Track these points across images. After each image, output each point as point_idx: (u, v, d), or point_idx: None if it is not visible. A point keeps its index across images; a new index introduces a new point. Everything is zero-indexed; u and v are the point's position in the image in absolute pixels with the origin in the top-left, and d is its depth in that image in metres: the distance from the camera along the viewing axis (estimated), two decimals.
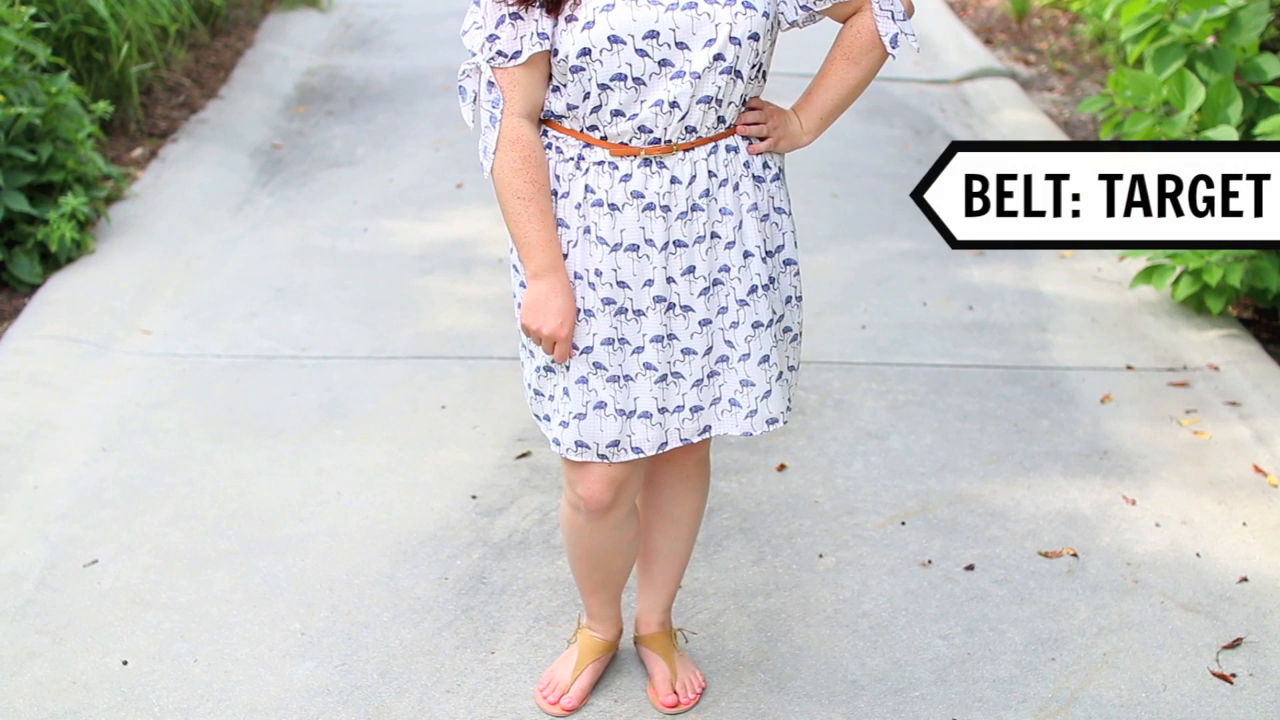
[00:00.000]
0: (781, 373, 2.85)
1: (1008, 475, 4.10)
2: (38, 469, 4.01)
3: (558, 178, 2.69)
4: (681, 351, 2.77)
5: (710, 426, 2.85)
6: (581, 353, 2.74)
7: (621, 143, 2.63)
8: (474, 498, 3.94)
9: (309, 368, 4.64)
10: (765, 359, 2.81)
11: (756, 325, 2.78)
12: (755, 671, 3.29)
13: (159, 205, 5.79)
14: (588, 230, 2.70)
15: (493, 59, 2.59)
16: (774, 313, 2.81)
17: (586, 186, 2.68)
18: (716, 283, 2.75)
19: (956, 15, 9.53)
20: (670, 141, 2.63)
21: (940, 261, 5.62)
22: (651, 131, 2.61)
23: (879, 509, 3.93)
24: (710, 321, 2.76)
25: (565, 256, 2.72)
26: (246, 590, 3.54)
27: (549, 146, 2.70)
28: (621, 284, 2.71)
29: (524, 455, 4.11)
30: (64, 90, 5.33)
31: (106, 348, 4.70)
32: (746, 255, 2.75)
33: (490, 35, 2.58)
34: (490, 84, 2.62)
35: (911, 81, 8.02)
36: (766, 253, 2.78)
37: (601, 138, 2.64)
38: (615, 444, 2.79)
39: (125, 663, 3.28)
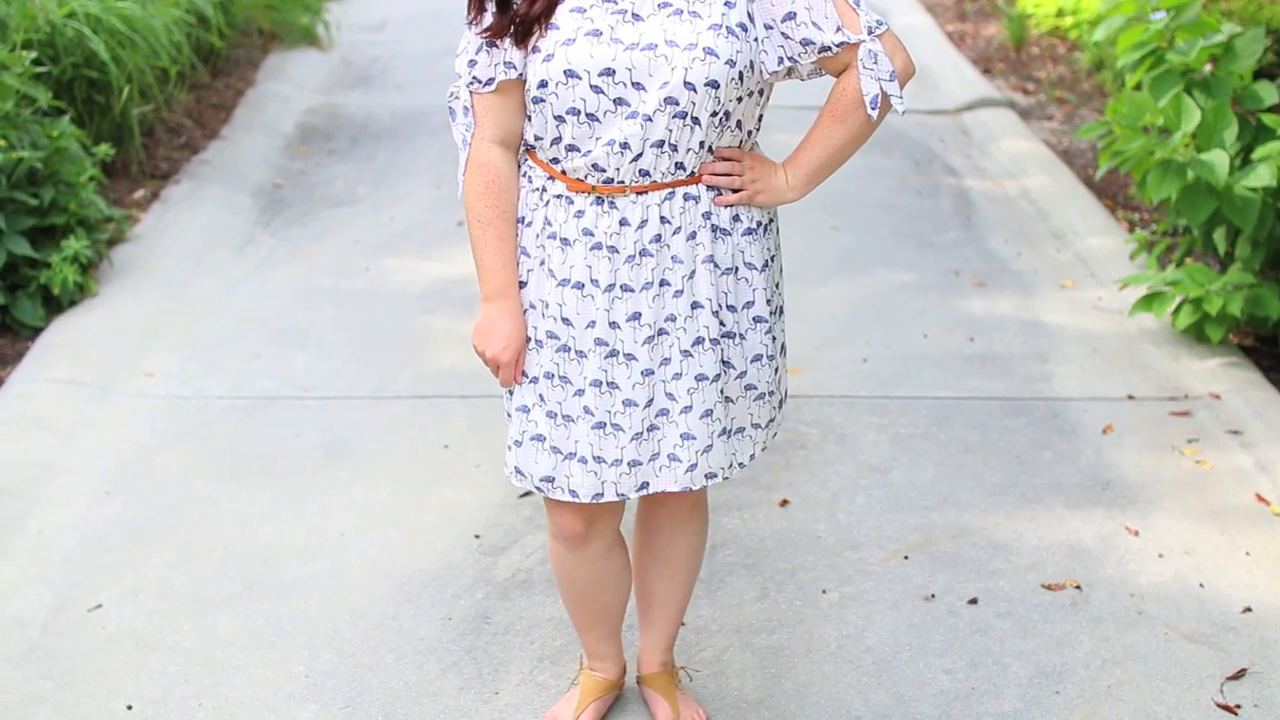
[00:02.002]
0: (727, 429, 2.79)
1: (1010, 507, 4.10)
2: (41, 513, 4.02)
3: (525, 204, 2.72)
4: (623, 403, 2.73)
5: (648, 483, 2.80)
6: (529, 381, 2.76)
7: (577, 178, 2.64)
8: (477, 537, 3.95)
9: (312, 408, 4.66)
10: (708, 413, 2.75)
11: (700, 378, 2.73)
12: (759, 709, 3.29)
13: (161, 247, 5.81)
14: (543, 262, 2.71)
15: (471, 84, 2.65)
16: (727, 367, 2.76)
17: (546, 219, 2.69)
18: (662, 332, 2.71)
19: (955, 45, 9.56)
20: (623, 182, 2.62)
21: (941, 293, 5.64)
22: (604, 170, 2.61)
23: (882, 543, 3.93)
24: (653, 372, 2.72)
25: (524, 285, 2.73)
26: (250, 633, 3.55)
27: (524, 175, 2.72)
28: (565, 320, 2.71)
29: (527, 494, 4.12)
30: (65, 134, 5.35)
31: (110, 390, 4.71)
32: (695, 306, 2.70)
33: (470, 61, 2.64)
34: (467, 109, 2.68)
35: (910, 112, 8.02)
36: (728, 306, 2.73)
37: (561, 171, 2.66)
38: (550, 480, 2.79)
39: (130, 707, 3.28)
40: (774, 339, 2.85)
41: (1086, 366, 5.01)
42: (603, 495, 2.79)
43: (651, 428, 2.75)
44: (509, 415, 2.83)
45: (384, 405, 4.68)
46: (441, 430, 4.53)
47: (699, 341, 2.72)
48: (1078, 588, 3.74)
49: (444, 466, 4.31)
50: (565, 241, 2.68)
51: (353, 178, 6.94)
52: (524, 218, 2.73)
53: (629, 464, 2.76)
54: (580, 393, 2.73)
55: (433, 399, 4.72)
